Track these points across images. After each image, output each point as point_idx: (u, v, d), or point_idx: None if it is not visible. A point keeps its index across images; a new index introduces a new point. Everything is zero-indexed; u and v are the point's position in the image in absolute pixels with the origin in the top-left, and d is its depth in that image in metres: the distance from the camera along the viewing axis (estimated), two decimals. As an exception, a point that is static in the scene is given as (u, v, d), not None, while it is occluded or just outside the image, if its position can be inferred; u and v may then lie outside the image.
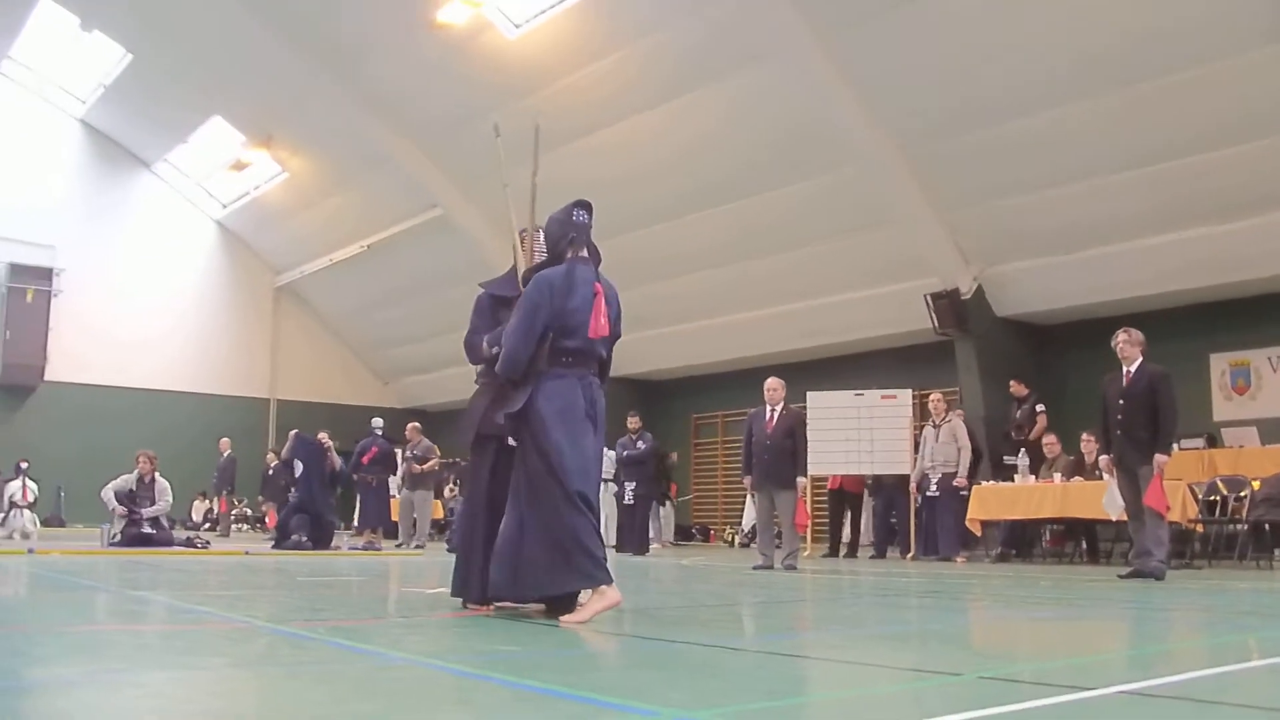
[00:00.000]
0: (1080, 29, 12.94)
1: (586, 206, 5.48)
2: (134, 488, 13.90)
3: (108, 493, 13.85)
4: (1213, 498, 12.20)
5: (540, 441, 5.05)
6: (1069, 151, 14.08)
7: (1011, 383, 15.19)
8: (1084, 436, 13.14)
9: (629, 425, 16.53)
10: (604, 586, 4.91)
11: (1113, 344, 9.63)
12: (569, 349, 5.16)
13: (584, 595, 5.04)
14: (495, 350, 5.44)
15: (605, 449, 5.61)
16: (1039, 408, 14.77)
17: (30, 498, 17.14)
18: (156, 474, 14.11)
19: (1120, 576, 9.38)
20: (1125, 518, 9.95)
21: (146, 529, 13.70)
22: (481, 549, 5.41)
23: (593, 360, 5.31)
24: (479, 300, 5.89)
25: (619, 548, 15.11)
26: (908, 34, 14.09)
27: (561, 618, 4.83)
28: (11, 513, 16.96)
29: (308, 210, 26.22)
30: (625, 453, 16.26)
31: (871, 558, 14.72)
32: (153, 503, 13.91)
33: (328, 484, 15.03)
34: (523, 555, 5.03)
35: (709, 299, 19.75)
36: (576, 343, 5.17)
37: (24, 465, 17.62)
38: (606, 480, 19.05)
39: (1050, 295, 15.83)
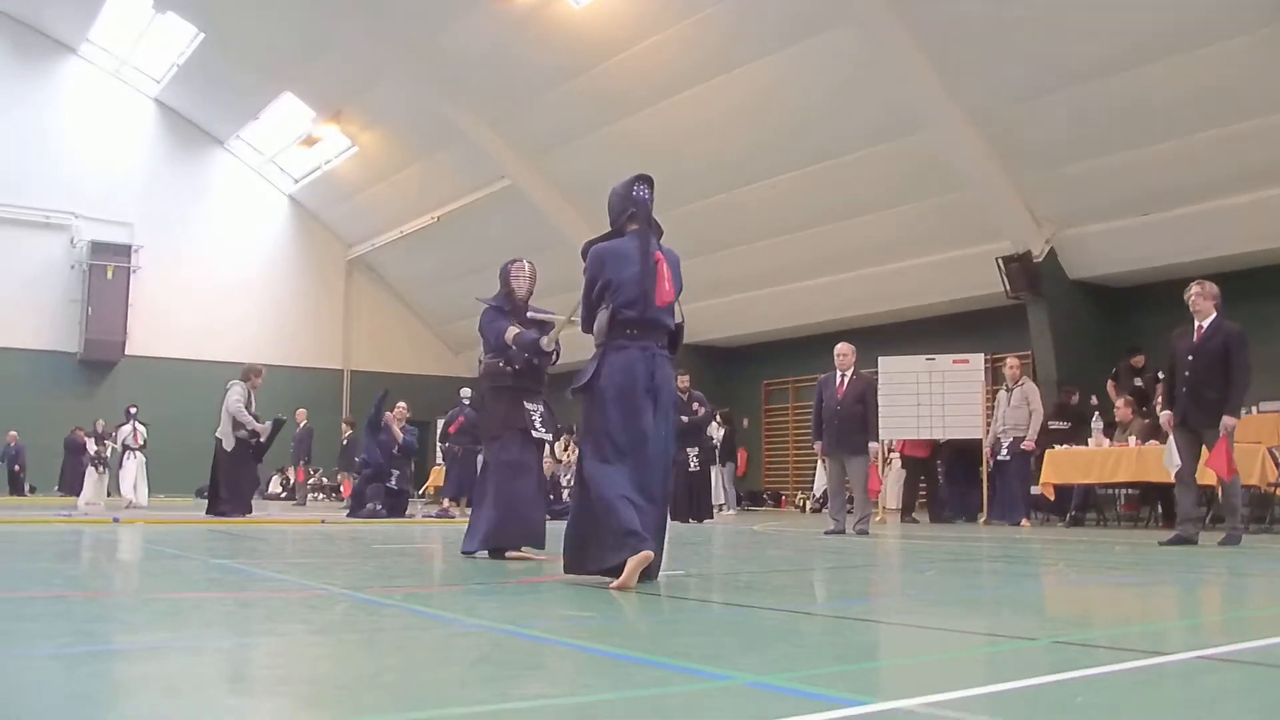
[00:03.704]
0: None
1: (648, 181, 5.41)
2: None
3: (238, 407, 13.46)
4: (1295, 461, 11.91)
5: (596, 419, 5.15)
6: (1143, 113, 13.81)
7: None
8: (1157, 399, 12.90)
9: (677, 385, 14.75)
10: (640, 553, 4.84)
11: (1185, 296, 9.16)
12: (630, 319, 5.16)
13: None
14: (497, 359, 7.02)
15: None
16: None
17: (140, 440, 17.62)
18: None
19: (1161, 544, 9.01)
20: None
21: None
22: (503, 512, 6.84)
23: (658, 330, 5.26)
24: (485, 313, 7.22)
25: (676, 516, 14.45)
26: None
27: (610, 584, 4.87)
28: (125, 455, 17.46)
29: (378, 183, 26.46)
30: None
31: (966, 521, 14.62)
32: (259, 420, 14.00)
33: (399, 453, 15.16)
34: (577, 533, 5.22)
35: (781, 265, 19.65)
36: (635, 313, 5.15)
37: (133, 410, 18.10)
38: None
39: (1124, 258, 15.57)
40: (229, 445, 13.58)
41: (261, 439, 13.69)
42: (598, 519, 5.02)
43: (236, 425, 13.55)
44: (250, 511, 13.83)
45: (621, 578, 4.79)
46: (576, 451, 17.86)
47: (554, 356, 7.04)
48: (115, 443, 18.28)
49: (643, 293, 5.16)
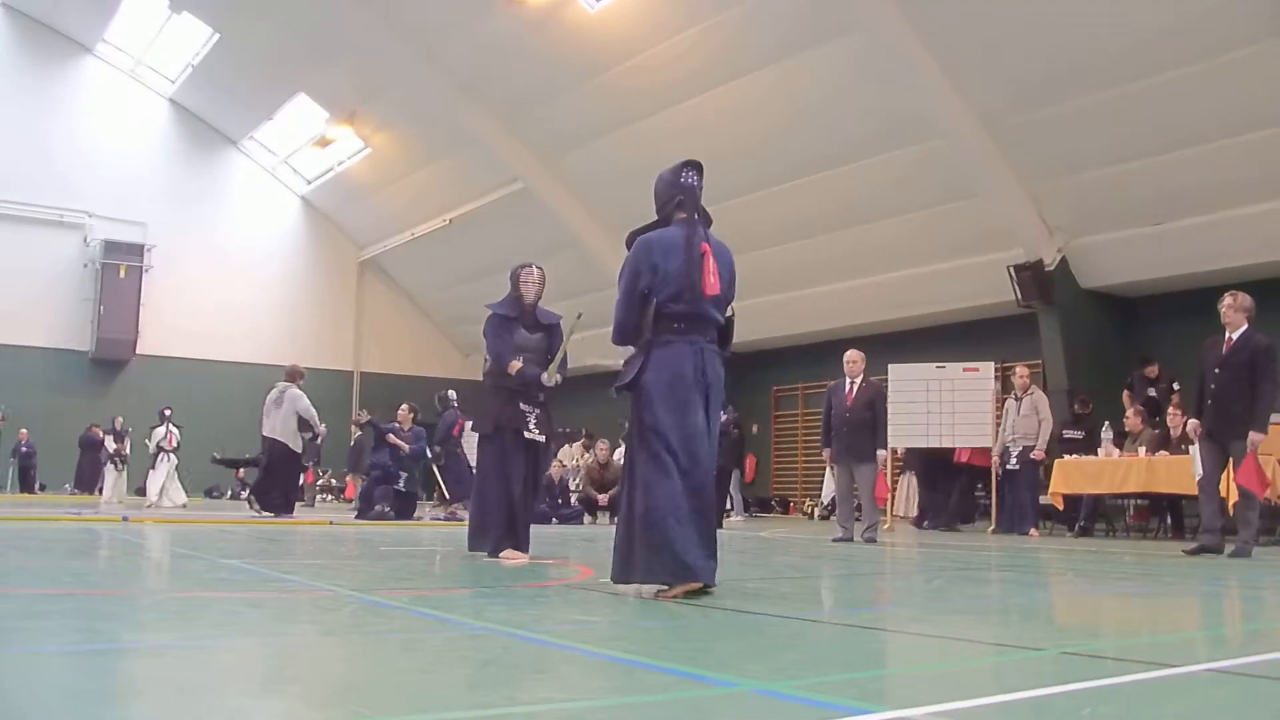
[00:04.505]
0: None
1: (696, 167, 5.20)
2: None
3: (313, 411, 13.94)
4: (1306, 474, 11.84)
5: (645, 418, 4.89)
6: (1155, 122, 13.78)
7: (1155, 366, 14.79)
8: (1170, 410, 12.85)
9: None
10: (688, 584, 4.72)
11: (1219, 306, 9.14)
12: (676, 313, 4.93)
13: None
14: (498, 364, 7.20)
15: None
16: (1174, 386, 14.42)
17: (174, 442, 17.66)
18: None
19: (1185, 552, 9.10)
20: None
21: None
22: (494, 511, 7.10)
23: (706, 324, 5.02)
24: (490, 320, 7.32)
25: None
26: (992, 6, 13.87)
27: (657, 593, 4.75)
28: (159, 457, 17.52)
29: (390, 185, 26.51)
30: None
31: (945, 529, 14.60)
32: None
33: (407, 457, 15.15)
34: (626, 541, 4.94)
35: (791, 271, 19.62)
36: (683, 306, 4.92)
37: (168, 412, 18.12)
38: None
39: (1136, 267, 15.53)
40: (296, 446, 13.75)
41: (319, 443, 13.83)
42: (642, 529, 4.79)
43: (304, 426, 13.68)
44: (293, 512, 14.02)
45: (669, 594, 4.70)
46: (588, 456, 17.87)
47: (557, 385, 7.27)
48: (149, 443, 18.22)
49: (689, 284, 4.92)
